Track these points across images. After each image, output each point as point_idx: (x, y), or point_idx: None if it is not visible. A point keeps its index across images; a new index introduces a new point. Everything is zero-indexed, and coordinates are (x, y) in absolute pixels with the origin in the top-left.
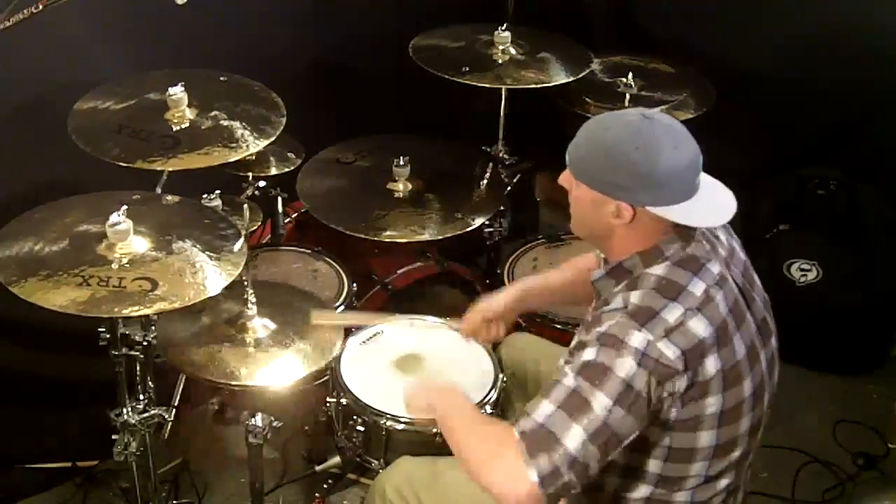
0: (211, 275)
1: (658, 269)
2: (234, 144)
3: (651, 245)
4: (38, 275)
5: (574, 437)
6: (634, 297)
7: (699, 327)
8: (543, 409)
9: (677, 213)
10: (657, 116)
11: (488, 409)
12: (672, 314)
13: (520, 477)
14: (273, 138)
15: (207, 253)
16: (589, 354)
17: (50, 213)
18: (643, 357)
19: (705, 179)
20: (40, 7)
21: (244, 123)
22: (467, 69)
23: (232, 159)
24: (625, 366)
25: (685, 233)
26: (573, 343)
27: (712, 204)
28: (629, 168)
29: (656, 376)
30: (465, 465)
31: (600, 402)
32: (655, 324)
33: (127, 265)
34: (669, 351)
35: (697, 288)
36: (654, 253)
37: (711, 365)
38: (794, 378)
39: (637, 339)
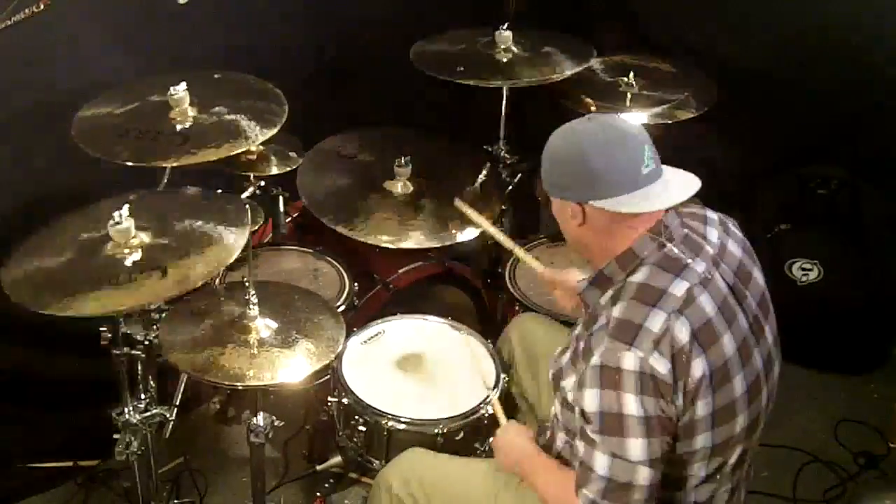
0: (226, 237)
1: (638, 276)
2: (240, 137)
3: (624, 248)
4: (60, 290)
5: (639, 477)
6: (616, 310)
7: (682, 331)
8: (596, 482)
9: (622, 204)
10: (598, 116)
11: (489, 408)
12: (656, 323)
13: None
14: (280, 124)
15: (213, 223)
16: (593, 405)
17: (49, 232)
18: (641, 380)
19: (667, 170)
20: (41, 7)
21: (248, 116)
22: (462, 69)
23: (241, 150)
24: (631, 403)
25: (659, 234)
26: (570, 360)
27: (664, 192)
28: (567, 167)
29: (659, 396)
30: None
31: (635, 446)
32: (642, 338)
33: (137, 260)
34: (660, 365)
35: (679, 289)
36: (629, 256)
37: (698, 367)
38: (796, 378)
39: (629, 360)
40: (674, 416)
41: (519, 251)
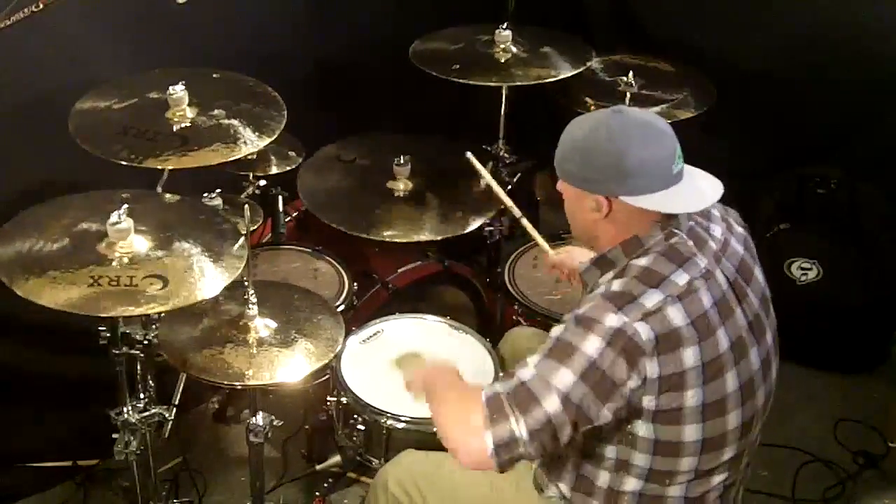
0: (211, 276)
1: (643, 260)
2: (238, 142)
3: (631, 235)
4: (43, 275)
5: (537, 413)
6: (616, 284)
7: (677, 316)
8: (511, 383)
9: (653, 202)
10: (629, 111)
11: None
12: (651, 300)
13: (477, 443)
14: (277, 133)
15: (207, 253)
16: (557, 331)
17: (49, 211)
18: (615, 334)
19: (690, 170)
20: (40, 6)
21: (246, 121)
22: (457, 67)
23: (238, 156)
24: (591, 343)
25: (667, 226)
26: None
27: (692, 192)
28: (600, 161)
29: (625, 356)
30: (436, 427)
31: (565, 375)
32: (633, 307)
33: (129, 264)
34: (643, 331)
35: (681, 278)
36: (635, 243)
37: (690, 356)
38: (795, 377)
39: (612, 319)
40: (625, 388)
41: (526, 223)
